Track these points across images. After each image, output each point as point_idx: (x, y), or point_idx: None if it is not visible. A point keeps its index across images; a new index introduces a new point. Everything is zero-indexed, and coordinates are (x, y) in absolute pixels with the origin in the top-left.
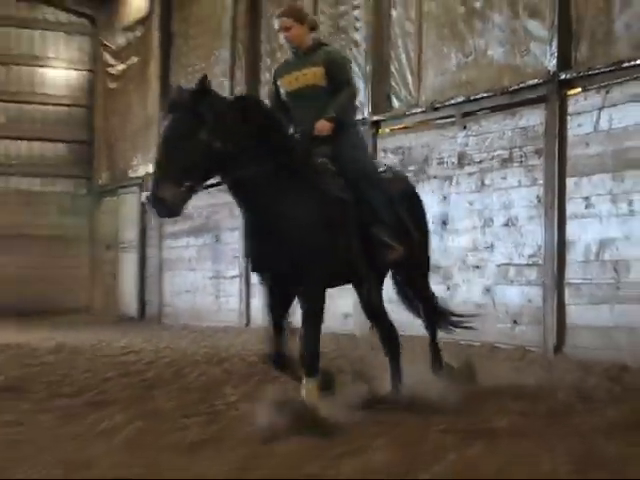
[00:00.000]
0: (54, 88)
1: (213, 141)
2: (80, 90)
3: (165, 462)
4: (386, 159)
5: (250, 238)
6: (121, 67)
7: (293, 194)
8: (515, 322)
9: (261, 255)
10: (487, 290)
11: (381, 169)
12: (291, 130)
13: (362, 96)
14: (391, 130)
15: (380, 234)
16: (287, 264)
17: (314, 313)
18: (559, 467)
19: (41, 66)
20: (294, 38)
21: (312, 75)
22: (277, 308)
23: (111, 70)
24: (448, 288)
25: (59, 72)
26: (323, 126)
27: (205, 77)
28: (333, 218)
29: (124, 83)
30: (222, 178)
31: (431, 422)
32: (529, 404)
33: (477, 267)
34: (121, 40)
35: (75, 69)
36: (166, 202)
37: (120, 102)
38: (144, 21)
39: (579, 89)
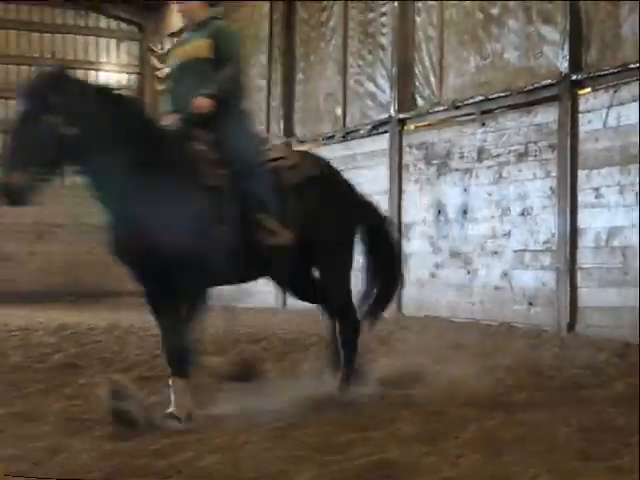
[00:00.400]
0: None
1: (60, 126)
2: (130, 91)
3: (207, 431)
4: (411, 154)
5: (115, 235)
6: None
7: (161, 188)
8: (531, 304)
9: (125, 251)
10: (505, 274)
11: (273, 154)
12: (170, 112)
13: (388, 95)
14: (416, 127)
15: (262, 221)
16: (155, 263)
17: (191, 312)
18: (572, 436)
19: (95, 69)
20: (186, 11)
21: (198, 47)
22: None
23: (158, 73)
24: (468, 272)
25: (111, 75)
26: (201, 103)
27: (61, 65)
28: (207, 211)
29: None
30: (81, 169)
31: (452, 396)
32: (544, 378)
33: (495, 253)
34: (167, 45)
35: (125, 72)
36: (15, 189)
37: None
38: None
39: (589, 89)
